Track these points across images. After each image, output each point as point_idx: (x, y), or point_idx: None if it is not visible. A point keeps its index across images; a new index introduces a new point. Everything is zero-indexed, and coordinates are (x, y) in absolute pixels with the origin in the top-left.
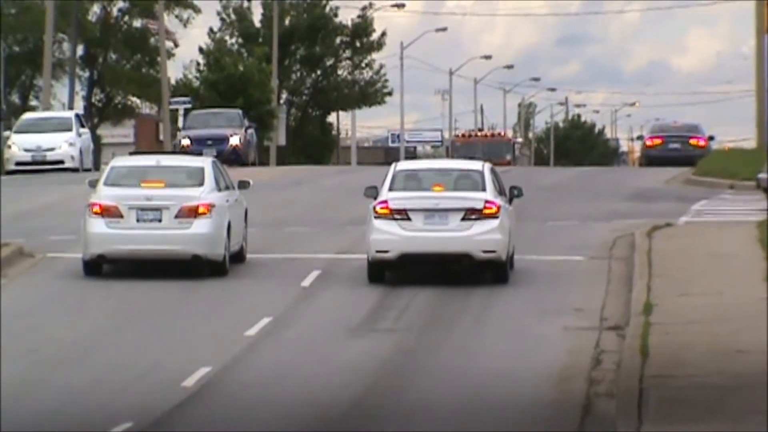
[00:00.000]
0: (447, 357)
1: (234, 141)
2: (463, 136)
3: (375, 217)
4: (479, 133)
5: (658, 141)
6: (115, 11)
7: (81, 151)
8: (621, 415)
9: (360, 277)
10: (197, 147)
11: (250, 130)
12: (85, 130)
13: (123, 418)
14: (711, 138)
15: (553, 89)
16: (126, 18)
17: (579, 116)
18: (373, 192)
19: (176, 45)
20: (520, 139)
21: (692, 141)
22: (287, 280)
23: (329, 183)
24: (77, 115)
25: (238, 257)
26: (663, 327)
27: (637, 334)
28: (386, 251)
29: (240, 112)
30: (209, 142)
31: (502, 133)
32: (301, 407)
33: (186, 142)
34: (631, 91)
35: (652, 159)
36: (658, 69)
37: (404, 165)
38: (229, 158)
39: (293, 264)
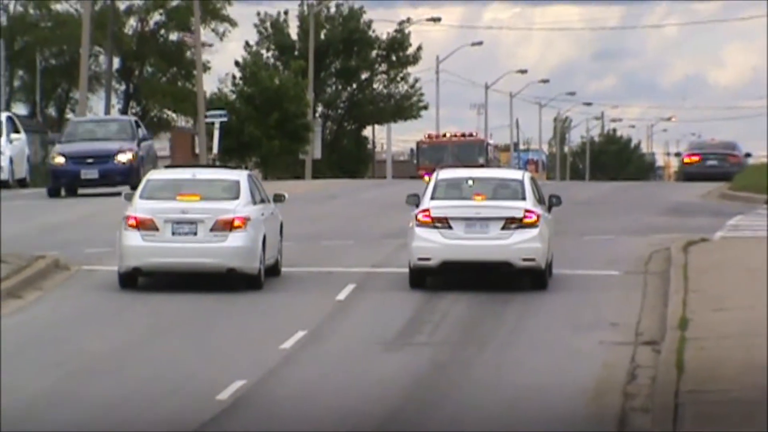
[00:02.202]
0: (482, 371)
1: (123, 158)
2: (430, 137)
3: (417, 225)
4: (448, 134)
5: (696, 158)
6: (151, 24)
7: (11, 160)
8: (656, 430)
9: (395, 290)
10: (74, 167)
11: (147, 143)
12: (19, 136)
13: (157, 431)
14: (748, 155)
15: (588, 104)
16: (162, 31)
17: (615, 131)
18: (414, 200)
19: (209, 45)
20: (492, 141)
21: (729, 158)
22: (322, 294)
23: (364, 197)
24: (9, 118)
25: (273, 270)
26: (698, 342)
27: (673, 349)
28: (428, 258)
29: (133, 120)
30: (90, 160)
31: (474, 134)
32: (336, 421)
33: (60, 160)
34: (668, 106)
35: (690, 175)
36: (694, 83)
37: (446, 174)
38: (116, 180)
39: (328, 277)
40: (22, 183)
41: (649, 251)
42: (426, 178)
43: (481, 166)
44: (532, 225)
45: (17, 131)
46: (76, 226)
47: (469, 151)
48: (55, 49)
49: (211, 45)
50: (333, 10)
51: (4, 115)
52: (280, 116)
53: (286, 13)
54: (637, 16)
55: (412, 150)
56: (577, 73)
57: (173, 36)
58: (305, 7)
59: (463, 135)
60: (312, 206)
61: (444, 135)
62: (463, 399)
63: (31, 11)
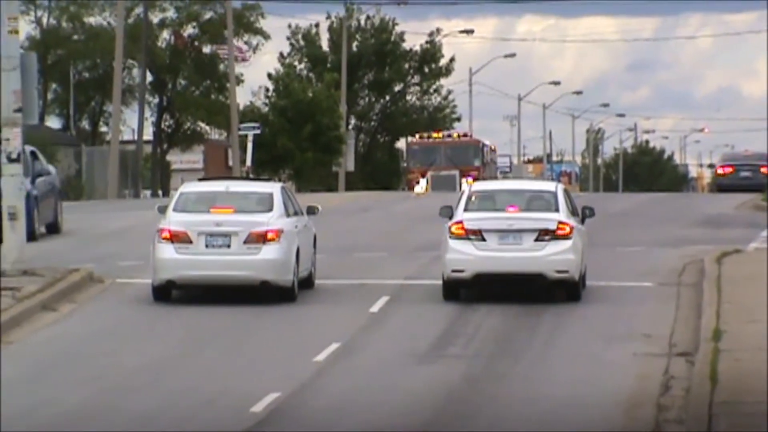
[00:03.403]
0: (515, 383)
1: None
2: (421, 138)
3: (450, 237)
4: (441, 135)
5: (729, 169)
6: (185, 39)
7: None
8: None
9: (429, 303)
10: None
11: (46, 178)
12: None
13: None
14: None
15: (622, 115)
16: (195, 44)
17: (648, 142)
18: (448, 212)
19: (245, 60)
20: (489, 142)
21: (762, 169)
22: (356, 306)
23: (397, 209)
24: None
25: (306, 283)
26: (732, 353)
27: (707, 361)
28: (461, 270)
29: (29, 152)
30: None
31: (469, 135)
32: None
33: None
34: (701, 117)
35: (723, 186)
36: (728, 95)
37: (479, 186)
38: None
39: (362, 290)
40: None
41: (683, 263)
42: (416, 189)
43: (477, 169)
44: (566, 237)
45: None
46: (110, 239)
47: (464, 152)
48: (89, 62)
49: (246, 59)
50: (364, 22)
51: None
52: (313, 128)
53: (317, 25)
54: (671, 27)
55: (402, 151)
56: (611, 85)
57: (206, 49)
58: (334, 20)
59: (458, 136)
60: (345, 218)
61: (437, 135)
62: (496, 412)
63: (65, 24)
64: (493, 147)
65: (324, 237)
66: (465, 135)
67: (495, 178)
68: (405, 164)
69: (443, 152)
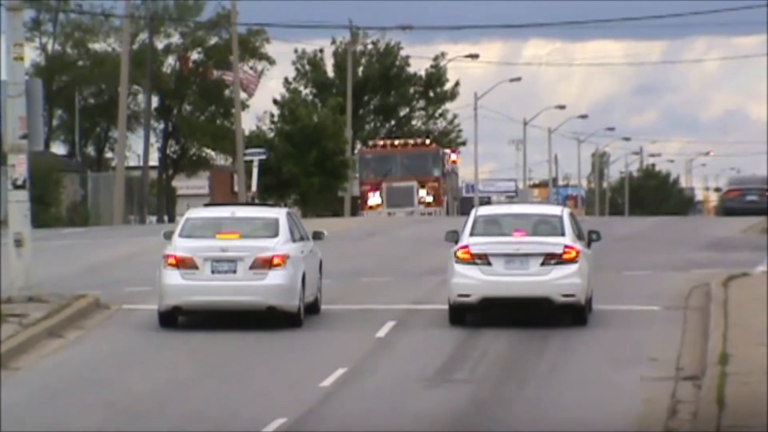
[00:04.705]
0: (522, 407)
1: None
2: (374, 146)
3: (456, 262)
4: (396, 142)
5: (736, 193)
6: (190, 63)
7: None
8: None
9: (435, 327)
10: None
11: None
12: None
13: None
14: None
15: (627, 138)
16: (201, 70)
17: (653, 165)
18: (453, 236)
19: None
20: (448, 151)
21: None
22: (362, 331)
23: (403, 233)
24: None
25: (312, 308)
26: (739, 377)
27: (714, 385)
28: (467, 295)
29: None
30: None
31: (427, 143)
32: None
33: None
34: (708, 140)
35: (729, 210)
36: (735, 118)
37: (485, 210)
38: None
39: (368, 314)
40: None
41: (690, 286)
42: (369, 202)
43: (436, 179)
44: (572, 261)
45: None
46: (116, 265)
47: (422, 161)
48: (94, 88)
49: (252, 92)
50: (369, 46)
51: None
52: (318, 153)
53: (321, 51)
54: (677, 51)
55: (353, 160)
56: (616, 108)
57: (212, 75)
58: (339, 44)
59: (414, 143)
60: (351, 243)
61: (391, 143)
62: None
63: (69, 50)
64: (454, 154)
65: (330, 262)
66: (423, 143)
67: (456, 190)
68: (356, 176)
69: (399, 161)
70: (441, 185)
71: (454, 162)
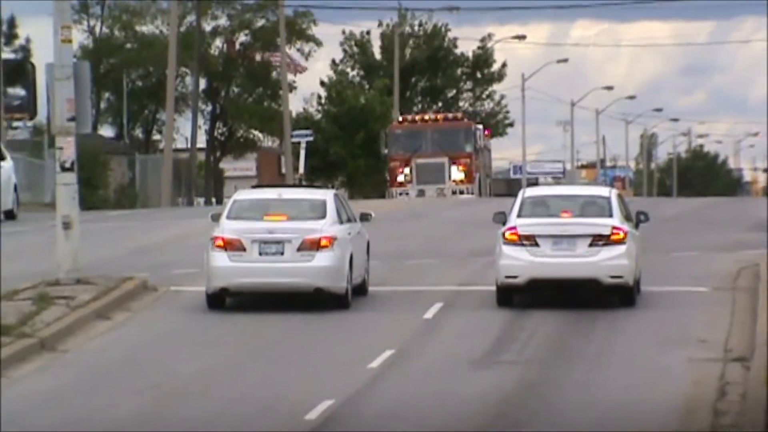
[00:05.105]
0: (571, 389)
1: None
2: (404, 121)
3: (504, 243)
4: (426, 117)
5: None
6: (237, 45)
7: None
8: None
9: (483, 309)
10: None
11: None
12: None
13: None
14: None
15: (675, 119)
16: (247, 51)
17: (702, 146)
18: (501, 218)
19: (300, 71)
20: (481, 126)
21: None
22: (410, 313)
23: (449, 215)
24: None
25: (360, 290)
26: None
27: (763, 366)
28: (515, 276)
29: None
30: None
31: (459, 117)
32: None
33: None
34: (756, 121)
35: None
36: None
37: (532, 191)
38: None
39: (415, 296)
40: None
41: (738, 267)
42: (399, 178)
43: (468, 156)
44: (620, 242)
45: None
46: (164, 247)
47: (453, 137)
48: (142, 70)
49: (300, 72)
50: (417, 28)
51: None
52: (365, 135)
53: (368, 33)
54: (725, 31)
55: (383, 135)
56: (664, 89)
57: (259, 56)
58: (386, 26)
59: (446, 118)
60: (397, 225)
61: (422, 118)
62: (552, 417)
63: (117, 33)
64: (488, 131)
65: (377, 243)
66: (455, 117)
67: (489, 167)
68: (386, 151)
69: (430, 137)
70: (473, 162)
71: (486, 136)
